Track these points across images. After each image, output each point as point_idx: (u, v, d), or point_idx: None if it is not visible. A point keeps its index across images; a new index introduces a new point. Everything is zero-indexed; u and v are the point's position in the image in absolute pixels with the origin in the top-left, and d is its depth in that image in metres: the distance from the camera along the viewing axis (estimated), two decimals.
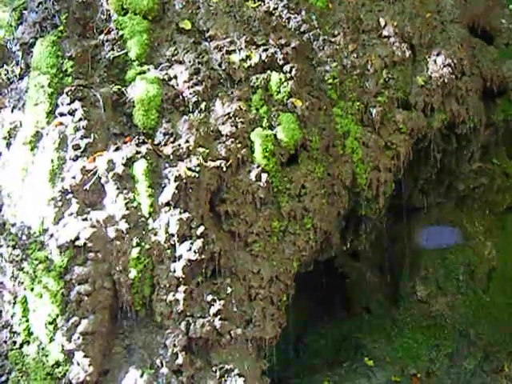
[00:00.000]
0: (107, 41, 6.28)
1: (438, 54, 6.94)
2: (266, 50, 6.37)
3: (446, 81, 6.83)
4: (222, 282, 5.86)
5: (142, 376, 5.70)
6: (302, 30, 6.62)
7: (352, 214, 6.70)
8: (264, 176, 6.02)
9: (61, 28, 6.27)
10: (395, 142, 6.66)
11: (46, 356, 5.80)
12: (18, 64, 6.35)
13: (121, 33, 6.29)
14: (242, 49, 6.32)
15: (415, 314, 7.74)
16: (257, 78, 6.27)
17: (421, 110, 6.82)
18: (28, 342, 5.89)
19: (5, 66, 6.39)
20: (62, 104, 6.01)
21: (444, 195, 7.92)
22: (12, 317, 5.95)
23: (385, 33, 6.85)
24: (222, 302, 5.79)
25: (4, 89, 6.38)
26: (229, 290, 5.84)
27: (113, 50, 6.25)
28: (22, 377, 5.91)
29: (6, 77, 6.36)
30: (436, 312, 7.81)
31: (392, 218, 7.27)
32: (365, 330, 7.59)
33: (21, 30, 6.42)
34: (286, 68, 6.34)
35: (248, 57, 6.29)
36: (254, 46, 6.39)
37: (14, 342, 5.94)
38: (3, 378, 5.98)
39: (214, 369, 5.77)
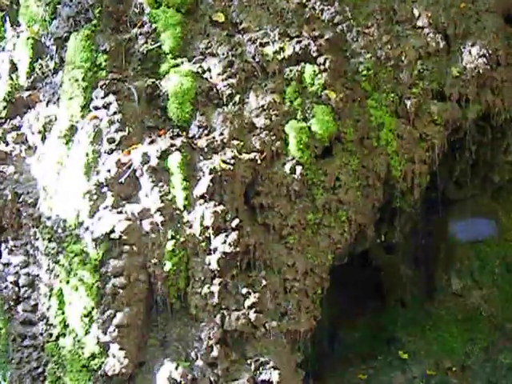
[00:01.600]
0: (141, 34, 6.28)
1: (472, 45, 6.84)
2: (299, 41, 6.33)
3: (480, 71, 6.73)
4: (256, 274, 5.85)
5: (176, 368, 5.71)
6: (335, 21, 6.56)
7: (387, 207, 6.65)
8: (298, 168, 5.99)
9: (94, 22, 6.28)
10: (430, 133, 6.58)
11: (82, 348, 5.83)
12: (52, 58, 6.38)
13: (154, 26, 6.29)
14: (275, 41, 6.29)
15: (450, 307, 7.68)
16: (290, 70, 6.24)
17: (456, 101, 6.73)
18: (64, 335, 5.93)
19: (39, 61, 6.42)
20: (97, 98, 6.03)
21: (479, 187, 7.84)
22: (48, 309, 5.99)
23: (419, 23, 6.77)
24: (257, 294, 5.78)
25: (39, 83, 6.41)
26: (264, 282, 5.83)
27: (146, 43, 6.24)
28: (57, 369, 5.95)
29: (40, 71, 6.39)
30: (471, 305, 7.73)
31: (427, 211, 7.20)
32: (399, 324, 7.54)
33: (55, 25, 6.44)
34: (320, 60, 6.30)
35: (282, 49, 6.26)
36: (288, 38, 6.35)
37: (50, 335, 5.98)
38: (39, 370, 6.03)
39: (248, 361, 5.77)
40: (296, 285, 5.96)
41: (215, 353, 5.70)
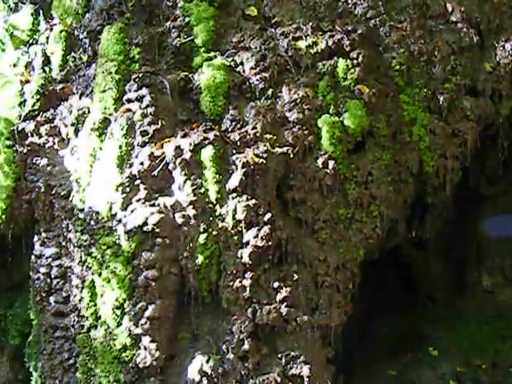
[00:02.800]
0: (174, 27, 6.28)
1: (506, 40, 6.79)
2: (332, 36, 6.31)
3: None
4: (288, 269, 5.84)
5: (207, 362, 5.72)
6: (368, 16, 6.54)
7: (418, 202, 6.61)
8: (331, 163, 5.98)
9: (128, 15, 6.29)
10: (463, 129, 6.55)
11: (114, 340, 5.85)
12: (85, 51, 6.39)
13: (187, 19, 6.29)
14: (308, 35, 6.27)
15: (481, 304, 7.63)
16: (323, 65, 6.22)
17: (489, 96, 6.70)
18: (95, 326, 5.95)
19: (72, 54, 6.44)
20: (130, 90, 6.04)
21: (511, 183, 7.77)
22: (80, 301, 6.01)
23: (452, 18, 6.73)
24: (289, 288, 5.77)
25: (72, 76, 6.43)
26: (295, 276, 5.82)
27: (179, 36, 6.25)
28: (89, 360, 5.98)
29: (73, 64, 6.41)
30: (502, 302, 7.68)
31: (458, 207, 7.16)
32: (429, 320, 7.50)
33: (88, 18, 6.46)
34: (353, 54, 6.27)
35: (314, 43, 6.24)
36: (321, 33, 6.33)
37: (82, 326, 6.01)
38: (71, 361, 6.07)
39: (279, 355, 5.76)
40: (327, 279, 5.95)
41: (246, 346, 5.70)
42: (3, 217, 6.40)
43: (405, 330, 7.43)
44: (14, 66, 6.63)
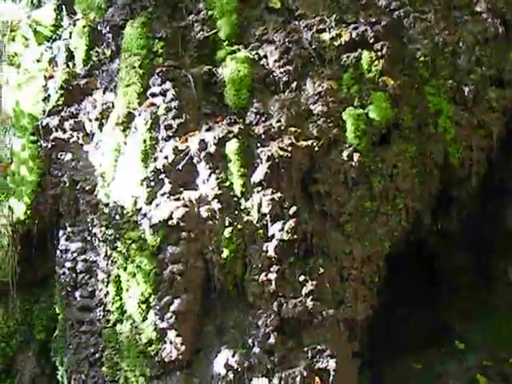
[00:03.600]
0: (197, 21, 6.27)
1: None
2: (356, 28, 6.27)
3: None
4: (314, 262, 5.81)
5: (233, 356, 5.71)
6: (392, 7, 6.49)
7: (443, 195, 6.56)
8: (356, 156, 5.94)
9: (150, 9, 6.28)
10: (488, 120, 6.49)
11: (139, 334, 5.86)
12: (108, 46, 6.39)
13: (210, 13, 6.27)
14: (332, 27, 6.23)
15: (506, 296, 7.55)
16: (347, 57, 6.18)
17: None
18: (121, 321, 5.97)
19: (96, 48, 6.44)
20: (154, 85, 6.03)
21: None
22: (105, 295, 6.03)
23: (477, 9, 6.68)
24: (314, 282, 5.75)
25: (95, 70, 6.44)
26: (321, 270, 5.79)
27: (202, 30, 6.23)
28: (115, 354, 5.99)
29: (97, 59, 6.41)
30: None
31: (484, 199, 7.09)
32: (455, 313, 7.44)
33: (111, 13, 6.45)
34: (377, 46, 6.22)
35: (338, 35, 6.20)
36: (344, 25, 6.29)
37: (108, 321, 6.02)
38: (97, 356, 6.09)
39: (305, 349, 5.74)
40: (353, 273, 5.92)
41: (272, 340, 5.69)
42: (28, 212, 6.43)
43: (430, 324, 7.37)
44: (38, 61, 6.64)
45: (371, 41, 6.25)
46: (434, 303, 7.48)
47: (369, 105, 6.10)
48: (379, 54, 6.21)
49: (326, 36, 6.20)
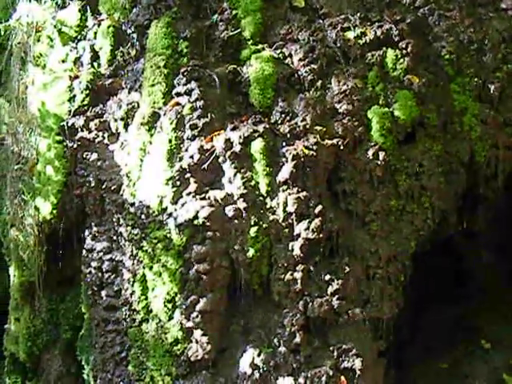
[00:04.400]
0: (221, 21, 6.27)
1: None
2: (380, 26, 6.25)
3: None
4: (339, 261, 5.81)
5: (259, 355, 5.72)
6: (416, 4, 6.46)
7: (469, 193, 6.52)
8: (381, 154, 5.92)
9: (175, 9, 6.28)
10: None
11: (165, 334, 5.88)
12: (133, 46, 6.41)
13: (234, 12, 6.28)
14: (356, 25, 6.22)
15: None
16: (372, 55, 6.16)
17: None
18: (147, 320, 5.98)
19: (120, 48, 6.46)
20: (179, 84, 6.04)
21: None
22: (131, 295, 6.04)
23: (502, 6, 6.64)
24: (340, 281, 5.74)
25: (120, 70, 6.46)
26: (347, 269, 5.79)
27: (227, 29, 6.23)
28: (141, 353, 6.01)
29: (122, 59, 6.43)
30: None
31: (510, 198, 7.04)
32: (481, 312, 7.39)
33: (135, 13, 6.47)
34: (402, 44, 6.20)
35: (363, 33, 6.18)
36: (369, 23, 6.28)
37: (134, 320, 6.04)
38: (123, 355, 6.11)
39: (331, 348, 5.75)
40: (379, 272, 5.90)
41: (298, 339, 5.69)
42: (54, 212, 6.45)
43: (456, 323, 7.33)
44: (63, 61, 6.66)
45: (396, 39, 6.22)
46: (460, 302, 7.45)
47: (394, 103, 6.08)
48: (404, 52, 6.19)
49: (350, 34, 6.19)
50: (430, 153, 6.14)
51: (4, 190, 7.04)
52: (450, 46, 6.36)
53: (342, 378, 5.69)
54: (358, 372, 5.69)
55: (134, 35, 6.42)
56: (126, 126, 6.26)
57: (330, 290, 5.73)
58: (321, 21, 6.29)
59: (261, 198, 5.76)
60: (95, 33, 6.60)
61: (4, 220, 7.16)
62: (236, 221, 5.74)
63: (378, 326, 5.94)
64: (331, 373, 5.67)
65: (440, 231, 6.44)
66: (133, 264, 6.02)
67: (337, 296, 5.73)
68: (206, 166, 5.82)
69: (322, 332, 5.77)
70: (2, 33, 6.84)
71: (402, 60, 6.17)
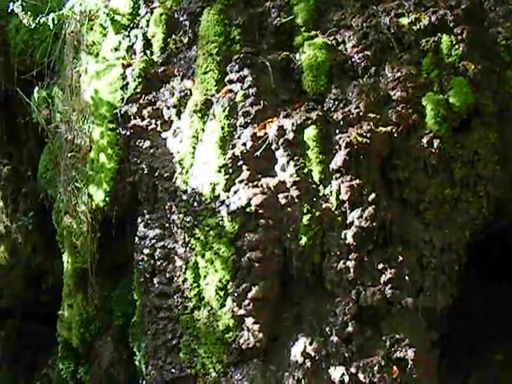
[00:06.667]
0: (273, 7, 6.23)
1: None
2: (435, 12, 6.15)
3: None
4: (393, 250, 5.74)
5: (311, 344, 5.69)
6: None
7: None
8: (436, 142, 5.84)
9: None
10: None
11: (217, 321, 5.88)
12: (185, 33, 6.40)
13: None
14: (410, 12, 6.14)
15: None
16: (427, 41, 6.07)
17: None
18: (199, 308, 5.98)
19: (173, 36, 6.45)
20: (231, 71, 6.02)
21: None
22: (183, 282, 6.05)
23: None
24: (393, 270, 5.68)
25: (173, 58, 6.46)
26: (400, 258, 5.73)
27: (279, 16, 6.19)
28: (192, 341, 6.02)
29: (174, 46, 6.43)
30: None
31: None
32: None
33: (187, 0, 6.46)
34: (457, 30, 6.10)
35: (417, 19, 6.09)
36: (423, 8, 6.18)
37: (186, 307, 6.05)
38: (174, 342, 6.12)
39: (383, 338, 5.69)
40: (433, 261, 5.83)
41: (350, 329, 5.65)
42: (107, 199, 6.50)
43: (510, 314, 7.24)
44: (116, 50, 6.69)
45: (451, 25, 6.13)
46: None
47: (449, 90, 5.99)
48: (459, 38, 6.09)
49: (404, 20, 6.11)
50: (486, 141, 6.05)
51: (58, 177, 7.10)
52: (506, 32, 6.26)
53: (395, 368, 5.64)
54: (411, 362, 5.63)
55: (187, 22, 6.40)
56: (178, 114, 6.27)
57: (383, 278, 5.68)
58: (374, 7, 6.21)
59: (314, 186, 5.72)
60: (147, 21, 6.61)
61: (58, 207, 7.23)
62: (289, 208, 5.71)
63: (431, 315, 5.86)
64: (383, 363, 5.61)
65: (496, 220, 6.33)
66: (185, 251, 6.03)
67: (390, 285, 5.67)
68: (258, 153, 5.80)
69: (375, 321, 5.71)
70: (56, 22, 6.85)
71: (456, 46, 6.07)
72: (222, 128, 5.91)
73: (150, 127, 6.38)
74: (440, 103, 5.91)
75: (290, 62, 6.04)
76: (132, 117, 6.43)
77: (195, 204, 5.94)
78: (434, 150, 5.83)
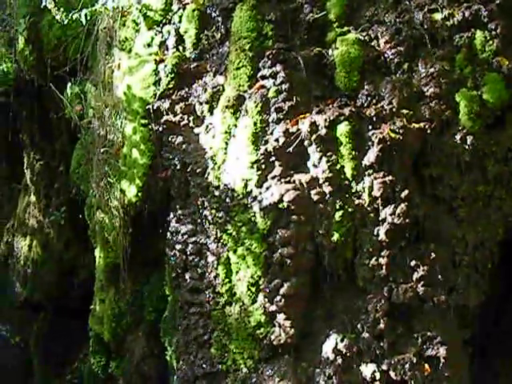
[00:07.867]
0: (306, 3, 6.21)
1: None
2: (469, 7, 6.09)
3: None
4: (425, 247, 5.71)
5: (342, 340, 5.68)
6: None
7: None
8: (469, 138, 5.80)
9: None
10: None
11: (248, 317, 5.88)
12: (218, 29, 6.41)
13: None
14: (444, 7, 6.08)
15: None
16: (460, 37, 6.02)
17: None
18: (230, 303, 5.99)
19: (205, 32, 6.46)
20: (264, 67, 6.02)
21: None
22: (215, 278, 6.07)
23: None
24: (426, 267, 5.65)
25: (205, 54, 6.47)
26: (432, 255, 5.69)
27: (312, 12, 6.17)
28: (223, 336, 6.04)
29: (206, 42, 6.44)
30: None
31: None
32: None
33: None
34: (491, 26, 6.03)
35: (451, 15, 6.04)
36: (457, 4, 6.12)
37: (217, 303, 6.06)
38: (205, 337, 6.14)
39: (415, 335, 5.66)
40: (465, 258, 5.80)
41: (382, 326, 5.63)
42: (139, 194, 6.53)
43: None
44: (148, 45, 6.71)
45: (485, 20, 6.06)
46: None
47: (482, 86, 5.94)
48: (493, 33, 6.02)
49: (437, 16, 6.06)
50: None
51: (90, 172, 7.15)
52: None
53: (426, 365, 5.62)
54: (443, 360, 5.60)
55: (219, 18, 6.41)
56: (210, 110, 6.28)
57: (416, 276, 5.65)
58: (407, 2, 6.16)
59: (346, 182, 5.71)
60: (180, 16, 6.62)
61: (90, 202, 7.28)
62: (321, 205, 5.70)
63: (463, 313, 5.84)
64: (415, 360, 5.59)
65: None
66: (217, 247, 6.04)
67: (422, 282, 5.64)
68: (291, 149, 5.79)
69: (407, 318, 5.69)
70: (89, 18, 6.90)
71: (490, 42, 6.01)
72: (255, 124, 5.91)
73: (182, 123, 6.40)
74: (473, 99, 5.86)
75: (322, 57, 6.02)
76: (164, 112, 6.45)
77: (227, 200, 5.95)
78: (467, 147, 5.80)
